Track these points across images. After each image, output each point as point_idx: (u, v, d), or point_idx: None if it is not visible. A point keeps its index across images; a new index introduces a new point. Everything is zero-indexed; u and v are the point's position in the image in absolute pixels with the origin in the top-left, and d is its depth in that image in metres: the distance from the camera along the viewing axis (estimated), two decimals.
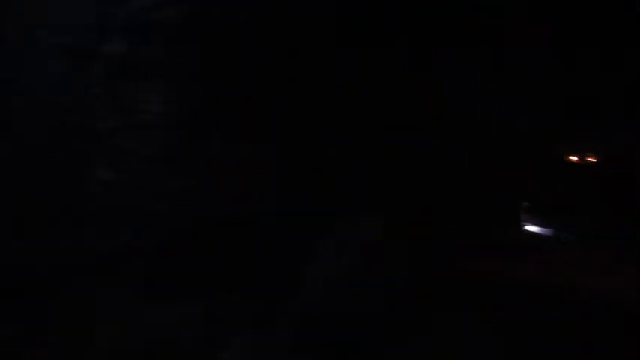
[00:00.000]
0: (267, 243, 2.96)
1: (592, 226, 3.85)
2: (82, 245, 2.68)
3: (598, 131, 4.13)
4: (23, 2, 2.85)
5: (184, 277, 2.65)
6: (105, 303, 2.49)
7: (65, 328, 2.39)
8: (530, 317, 2.92)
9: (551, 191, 4.09)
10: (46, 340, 2.39)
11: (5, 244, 2.61)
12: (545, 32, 3.30)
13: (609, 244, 3.67)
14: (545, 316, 2.92)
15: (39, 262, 2.63)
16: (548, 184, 4.14)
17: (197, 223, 2.74)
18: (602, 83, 3.75)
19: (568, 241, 3.77)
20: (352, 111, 3.42)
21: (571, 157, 4.32)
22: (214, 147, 2.85)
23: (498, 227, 3.75)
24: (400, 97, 3.42)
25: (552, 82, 3.83)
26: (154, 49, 2.81)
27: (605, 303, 3.06)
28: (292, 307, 2.76)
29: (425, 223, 3.41)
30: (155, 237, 2.69)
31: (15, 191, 2.68)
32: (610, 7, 3.25)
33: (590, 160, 4.22)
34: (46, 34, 2.77)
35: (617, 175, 4.06)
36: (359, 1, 3.10)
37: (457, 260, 3.29)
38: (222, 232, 2.78)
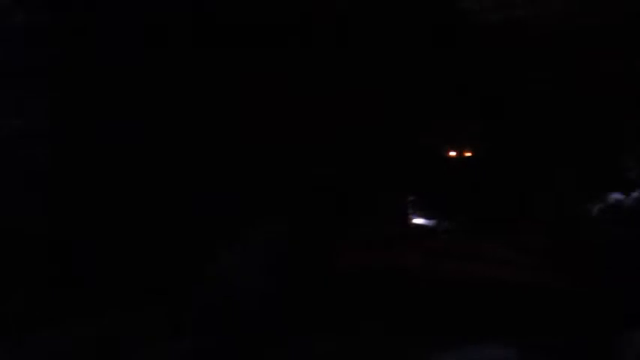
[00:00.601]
0: (165, 248, 2.89)
1: (472, 217, 4.19)
2: None
3: (473, 128, 4.51)
4: None
5: (72, 295, 2.50)
6: None
7: None
8: (412, 303, 3.09)
9: (435, 185, 4.38)
10: None
11: None
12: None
13: (487, 233, 4.01)
14: (425, 300, 3.12)
15: None
16: (433, 179, 4.44)
17: (77, 236, 2.60)
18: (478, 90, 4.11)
19: (450, 231, 4.05)
20: (244, 115, 3.44)
21: (451, 153, 4.67)
22: (91, 155, 2.72)
23: (387, 221, 3.94)
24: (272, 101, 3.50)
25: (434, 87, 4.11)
26: (20, 54, 2.62)
27: (487, 286, 3.33)
28: (194, 312, 2.72)
29: (315, 222, 3.50)
30: (32, 255, 2.51)
31: None
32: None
33: (467, 155, 4.60)
34: None
35: (491, 168, 4.45)
36: None
37: (346, 255, 3.41)
38: (111, 242, 2.66)
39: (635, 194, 4.05)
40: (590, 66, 4.12)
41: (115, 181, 2.78)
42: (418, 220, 4.19)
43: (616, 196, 4.07)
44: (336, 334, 2.83)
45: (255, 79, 3.45)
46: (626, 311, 2.97)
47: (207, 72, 3.18)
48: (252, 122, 3.50)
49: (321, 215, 3.60)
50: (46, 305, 2.52)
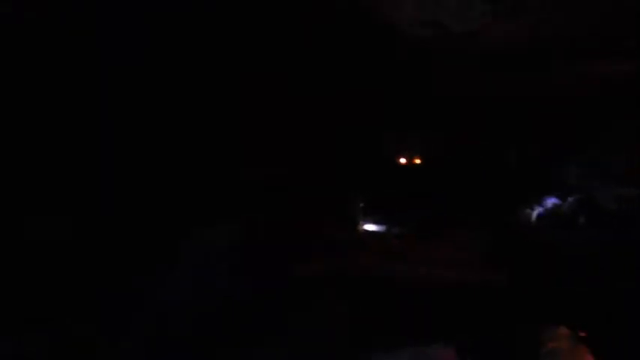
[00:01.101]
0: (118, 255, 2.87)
1: (420, 221, 4.33)
2: None
3: (421, 136, 4.67)
4: None
5: (17, 306, 2.45)
6: None
7: None
8: (369, 304, 3.15)
9: (384, 191, 4.51)
10: None
11: None
12: None
13: (435, 236, 4.15)
14: (382, 302, 3.19)
15: None
16: (383, 185, 4.56)
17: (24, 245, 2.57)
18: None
19: (399, 236, 4.17)
20: (198, 120, 3.45)
21: (401, 160, 4.82)
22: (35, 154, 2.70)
23: (339, 228, 4.02)
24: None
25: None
26: None
27: (435, 287, 3.43)
28: (147, 318, 2.71)
29: (271, 228, 3.55)
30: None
31: None
32: None
33: (416, 161, 4.75)
34: None
35: (437, 174, 4.61)
36: None
37: (301, 261, 3.46)
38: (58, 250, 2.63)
39: (570, 199, 4.28)
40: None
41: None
42: (369, 226, 4.28)
43: (553, 200, 4.30)
44: (286, 335, 2.88)
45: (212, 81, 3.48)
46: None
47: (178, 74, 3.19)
48: (207, 123, 3.51)
49: (276, 219, 3.65)
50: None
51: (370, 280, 3.44)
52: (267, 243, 3.44)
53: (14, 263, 2.63)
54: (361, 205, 4.29)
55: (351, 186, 4.30)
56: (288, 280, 3.29)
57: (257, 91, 3.67)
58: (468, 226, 4.20)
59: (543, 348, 2.81)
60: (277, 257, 3.41)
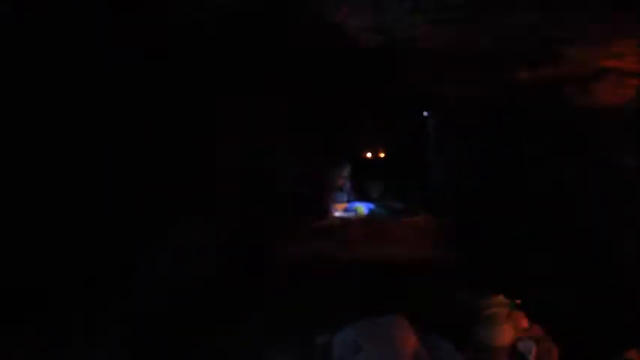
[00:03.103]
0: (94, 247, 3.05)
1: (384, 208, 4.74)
2: None
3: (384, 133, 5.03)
4: None
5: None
6: None
7: None
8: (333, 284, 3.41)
9: (354, 182, 4.89)
10: None
11: None
12: None
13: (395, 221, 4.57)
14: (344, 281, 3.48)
15: None
16: (352, 177, 4.94)
17: None
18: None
19: (363, 222, 4.58)
20: (173, 118, 3.64)
21: (367, 154, 5.22)
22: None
23: (312, 215, 4.39)
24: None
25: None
26: None
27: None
28: (123, 308, 2.95)
29: (246, 220, 3.84)
30: None
31: None
32: None
33: (380, 155, 5.16)
34: None
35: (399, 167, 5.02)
36: None
37: (277, 249, 3.75)
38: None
39: None
40: None
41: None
42: (337, 213, 4.67)
43: None
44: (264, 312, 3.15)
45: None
46: None
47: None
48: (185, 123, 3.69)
49: (255, 211, 3.92)
50: None
51: (334, 263, 3.72)
52: (244, 232, 3.68)
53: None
54: (335, 195, 4.65)
55: (323, 179, 4.61)
56: (264, 266, 3.51)
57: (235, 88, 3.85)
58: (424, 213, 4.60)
59: (484, 313, 3.21)
60: (254, 245, 3.63)
